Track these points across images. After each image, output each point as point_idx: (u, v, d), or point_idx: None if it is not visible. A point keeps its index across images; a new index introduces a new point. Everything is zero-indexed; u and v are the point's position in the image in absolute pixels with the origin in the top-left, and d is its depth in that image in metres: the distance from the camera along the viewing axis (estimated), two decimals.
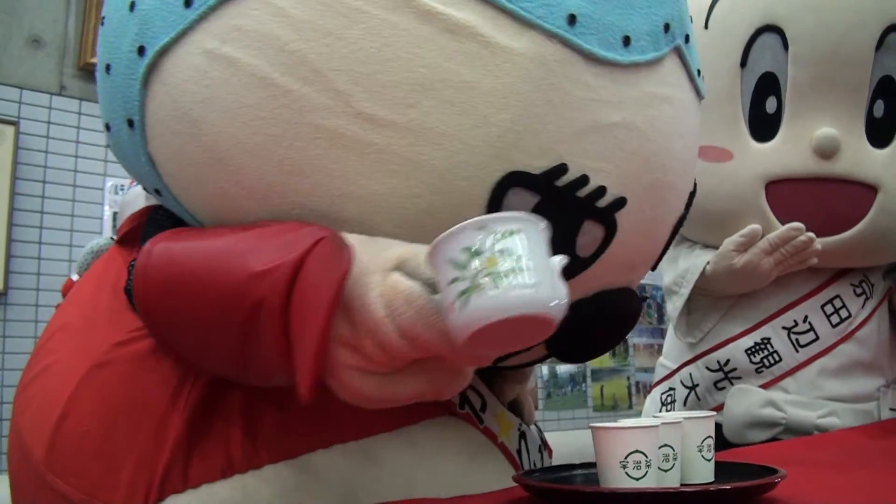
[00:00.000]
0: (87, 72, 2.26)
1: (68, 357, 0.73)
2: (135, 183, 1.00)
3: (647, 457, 0.64)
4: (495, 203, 0.64)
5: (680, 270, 1.43)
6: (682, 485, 0.70)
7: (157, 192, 0.75)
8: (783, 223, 1.30)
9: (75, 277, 1.03)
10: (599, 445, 0.66)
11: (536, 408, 3.26)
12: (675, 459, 0.69)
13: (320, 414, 0.71)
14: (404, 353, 0.53)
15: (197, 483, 0.66)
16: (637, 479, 0.63)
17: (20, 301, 2.11)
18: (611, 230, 0.70)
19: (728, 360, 1.40)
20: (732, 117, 1.34)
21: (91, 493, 0.66)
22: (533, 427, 0.97)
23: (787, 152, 1.32)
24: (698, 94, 0.82)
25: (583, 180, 0.66)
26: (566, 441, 1.09)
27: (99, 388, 0.69)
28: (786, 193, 1.32)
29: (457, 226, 0.51)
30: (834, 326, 1.37)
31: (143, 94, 0.69)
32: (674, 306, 1.45)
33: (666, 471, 0.69)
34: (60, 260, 2.18)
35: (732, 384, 1.38)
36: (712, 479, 0.73)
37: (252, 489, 0.67)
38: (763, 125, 1.33)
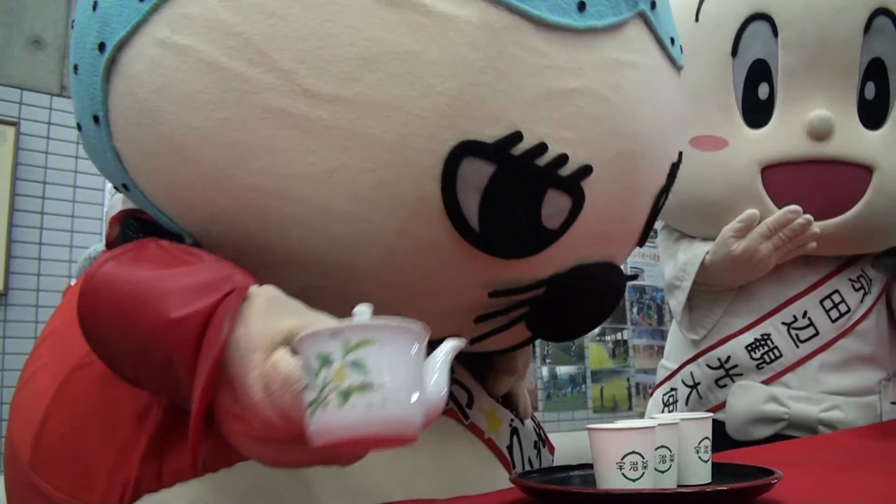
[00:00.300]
0: None
1: (53, 361, 0.75)
2: None
3: (643, 458, 0.63)
4: (449, 173, 0.63)
5: (680, 264, 1.43)
6: (679, 486, 0.70)
7: (125, 187, 0.76)
8: (780, 208, 1.31)
9: (73, 282, 1.04)
10: (596, 446, 0.66)
11: (536, 409, 3.27)
12: (671, 461, 0.69)
13: None
14: (288, 432, 0.50)
15: (171, 482, 0.66)
16: (633, 481, 0.63)
17: (20, 302, 2.12)
18: (578, 200, 0.69)
19: (729, 357, 1.39)
20: (726, 105, 1.36)
21: (71, 493, 0.68)
22: (529, 423, 0.96)
23: (782, 136, 1.33)
24: (673, 62, 0.79)
25: (541, 148, 0.65)
26: (566, 442, 1.09)
27: (77, 391, 0.71)
28: (782, 177, 1.33)
29: (315, 327, 0.49)
30: (833, 321, 1.38)
31: (105, 89, 0.70)
32: (677, 301, 1.44)
33: (663, 472, 0.68)
34: (61, 261, 2.19)
35: (734, 381, 1.38)
36: (709, 481, 0.73)
37: (224, 485, 0.67)
38: (756, 111, 1.36)
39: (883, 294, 1.45)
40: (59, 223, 2.21)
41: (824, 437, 1.21)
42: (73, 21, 0.77)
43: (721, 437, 1.34)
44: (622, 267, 0.84)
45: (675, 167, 0.84)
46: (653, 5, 0.73)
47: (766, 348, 1.38)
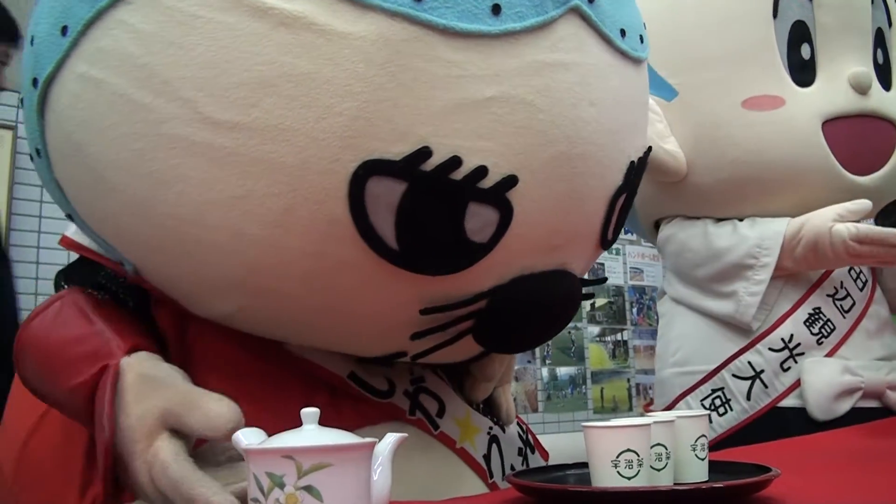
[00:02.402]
0: None
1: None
2: None
3: (638, 456, 0.63)
4: (356, 194, 0.62)
5: (753, 241, 1.35)
6: (675, 484, 0.70)
7: (70, 216, 0.79)
8: (840, 163, 1.34)
9: None
10: (591, 445, 0.65)
11: (536, 410, 3.26)
12: (667, 458, 0.69)
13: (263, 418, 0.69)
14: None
15: (132, 500, 0.68)
16: (629, 479, 0.63)
17: (18, 306, 2.11)
18: (506, 212, 0.66)
19: (792, 336, 1.36)
20: (773, 66, 1.39)
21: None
22: (513, 430, 0.94)
23: (831, 92, 1.37)
24: (625, 55, 0.74)
25: (454, 161, 0.63)
26: (566, 443, 1.09)
27: (56, 417, 0.78)
28: (842, 131, 1.36)
29: (267, 442, 0.52)
30: (861, 290, 1.40)
31: (41, 123, 0.71)
32: (754, 281, 1.35)
33: (659, 470, 0.68)
34: (58, 265, 2.18)
35: (796, 362, 1.34)
36: (706, 479, 0.73)
37: None
38: (802, 71, 1.39)
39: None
40: (57, 227, 2.20)
41: (821, 436, 1.20)
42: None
43: (802, 423, 1.30)
44: (583, 272, 0.82)
45: (635, 165, 0.79)
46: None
47: (822, 321, 1.37)
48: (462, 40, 0.62)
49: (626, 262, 3.92)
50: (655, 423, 0.68)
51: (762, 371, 1.36)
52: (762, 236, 1.36)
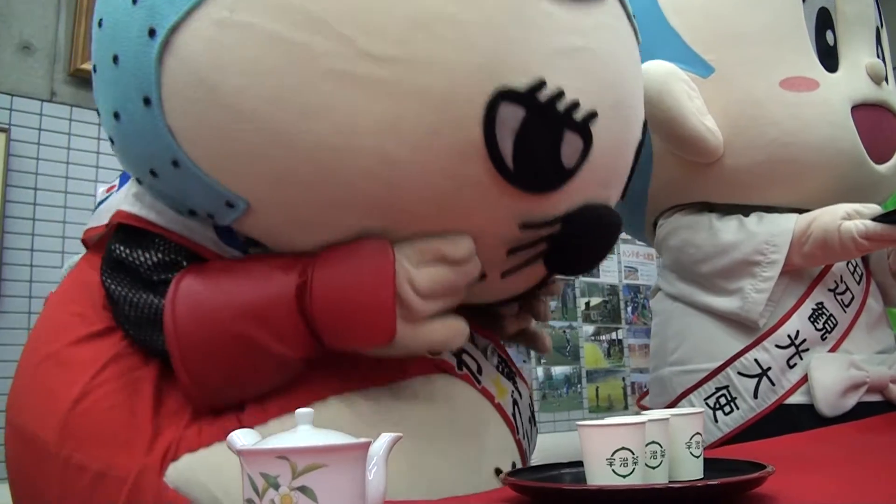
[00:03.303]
0: (79, 78, 2.25)
1: (67, 349, 0.82)
2: (111, 191, 1.02)
3: (633, 454, 0.63)
4: (490, 118, 0.73)
5: (762, 237, 1.34)
6: (670, 482, 0.70)
7: (175, 163, 0.80)
8: (865, 149, 1.35)
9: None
10: (586, 443, 0.66)
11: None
12: (662, 456, 0.69)
13: (318, 372, 0.82)
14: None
15: (209, 442, 0.76)
16: (624, 477, 0.63)
17: (12, 309, 2.10)
18: (588, 141, 0.80)
19: (798, 332, 1.34)
20: (804, 50, 1.39)
21: (110, 459, 0.75)
22: (526, 398, 1.03)
23: (854, 79, 1.39)
24: (636, 34, 0.93)
25: (560, 94, 0.76)
26: (562, 442, 1.10)
27: (119, 371, 0.80)
28: (865, 118, 1.37)
29: (262, 443, 0.53)
30: (858, 284, 1.40)
31: (159, 70, 0.76)
32: (762, 278, 1.34)
33: (654, 468, 0.68)
34: (52, 267, 2.17)
35: (801, 359, 1.33)
36: (701, 476, 0.73)
37: (353, 401, 0.82)
38: (828, 57, 1.40)
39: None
40: (51, 230, 2.20)
41: (817, 433, 1.21)
42: (101, 20, 0.82)
43: (809, 419, 1.29)
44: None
45: (645, 126, 0.97)
46: None
47: (825, 316, 1.36)
48: (559, 2, 0.77)
49: (620, 261, 3.92)
50: (650, 420, 0.68)
51: (769, 368, 1.33)
52: (771, 233, 1.33)
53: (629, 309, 3.89)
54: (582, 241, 0.88)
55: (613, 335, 3.77)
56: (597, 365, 3.59)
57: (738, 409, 1.34)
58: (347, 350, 0.80)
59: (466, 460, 0.86)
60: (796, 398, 1.32)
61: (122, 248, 0.83)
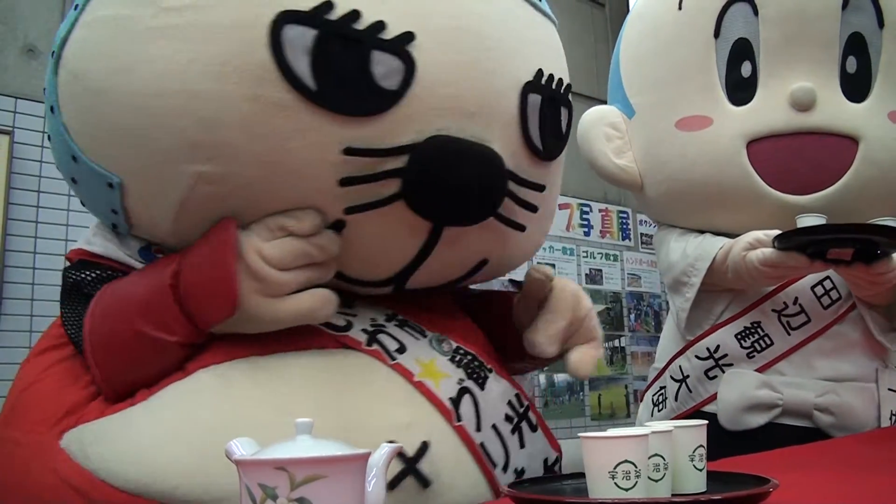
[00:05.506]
0: None
1: (34, 356, 0.94)
2: None
3: (636, 466, 0.63)
4: (275, 39, 0.77)
5: (690, 259, 1.41)
6: (673, 495, 0.70)
7: (74, 158, 0.90)
8: (766, 181, 1.34)
9: None
10: (588, 455, 0.65)
11: None
12: (665, 469, 0.68)
13: (238, 337, 0.87)
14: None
15: (102, 416, 0.83)
16: (626, 490, 0.62)
17: (15, 311, 2.11)
18: (409, 63, 0.81)
19: (718, 347, 1.39)
20: (709, 86, 1.41)
21: (29, 431, 0.84)
22: (503, 395, 0.98)
23: (766, 110, 1.37)
24: (537, 9, 0.97)
25: (354, 14, 0.79)
26: (564, 450, 1.08)
27: (69, 365, 0.89)
28: (767, 150, 1.36)
29: (260, 454, 0.52)
30: (826, 308, 1.37)
31: (54, 81, 0.89)
32: (684, 298, 1.43)
33: (656, 481, 0.68)
34: (55, 270, 2.17)
35: (723, 372, 1.37)
36: (704, 489, 0.72)
37: (223, 372, 0.85)
38: (739, 89, 1.40)
39: None
40: (54, 233, 2.20)
41: (820, 445, 1.20)
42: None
43: (713, 429, 1.30)
44: (516, 167, 0.92)
45: (553, 78, 0.97)
46: None
47: (757, 336, 1.37)
48: None
49: (623, 269, 3.92)
50: (653, 433, 0.67)
51: (688, 376, 1.43)
52: (697, 257, 1.41)
53: (632, 316, 3.89)
54: (433, 174, 0.84)
55: (616, 343, 3.76)
56: (599, 372, 3.58)
57: (665, 408, 1.47)
58: (217, 330, 0.85)
59: (346, 416, 0.84)
60: (711, 408, 1.38)
61: (73, 272, 0.96)
